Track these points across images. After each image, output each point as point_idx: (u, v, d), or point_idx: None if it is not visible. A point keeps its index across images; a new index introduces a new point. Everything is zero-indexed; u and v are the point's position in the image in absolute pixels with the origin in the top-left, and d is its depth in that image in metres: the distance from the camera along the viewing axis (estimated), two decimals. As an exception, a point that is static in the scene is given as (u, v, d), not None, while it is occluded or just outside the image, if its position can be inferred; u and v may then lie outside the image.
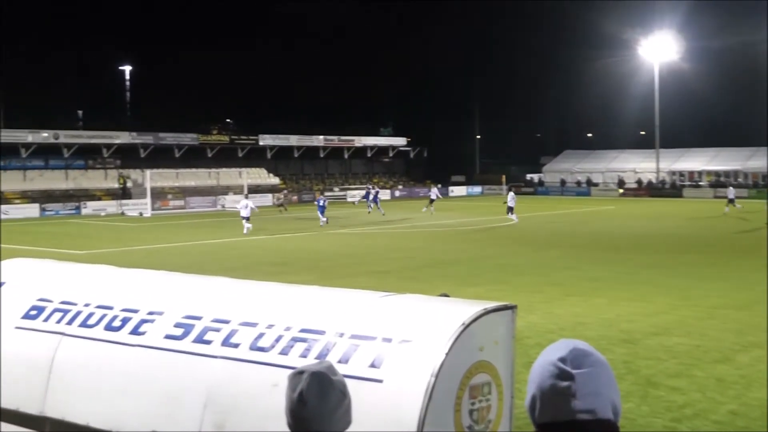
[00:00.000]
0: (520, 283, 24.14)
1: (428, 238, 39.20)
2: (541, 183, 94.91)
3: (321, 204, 50.16)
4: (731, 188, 61.83)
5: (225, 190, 72.84)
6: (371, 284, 22.57)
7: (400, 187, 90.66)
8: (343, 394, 3.07)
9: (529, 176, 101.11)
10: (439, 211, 58.00)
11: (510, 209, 49.16)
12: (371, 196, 59.69)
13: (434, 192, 62.18)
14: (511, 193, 51.31)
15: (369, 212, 57.25)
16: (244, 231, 43.37)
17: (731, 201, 55.82)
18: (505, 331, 6.12)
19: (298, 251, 34.05)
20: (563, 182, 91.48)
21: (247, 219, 44.21)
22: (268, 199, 70.65)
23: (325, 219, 48.91)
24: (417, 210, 59.54)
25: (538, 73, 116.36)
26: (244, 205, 45.34)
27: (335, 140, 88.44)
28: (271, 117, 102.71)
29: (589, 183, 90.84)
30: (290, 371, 3.25)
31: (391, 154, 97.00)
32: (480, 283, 24.06)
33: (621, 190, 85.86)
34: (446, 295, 8.40)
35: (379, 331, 5.88)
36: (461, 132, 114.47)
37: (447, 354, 5.49)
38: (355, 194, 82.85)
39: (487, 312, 5.91)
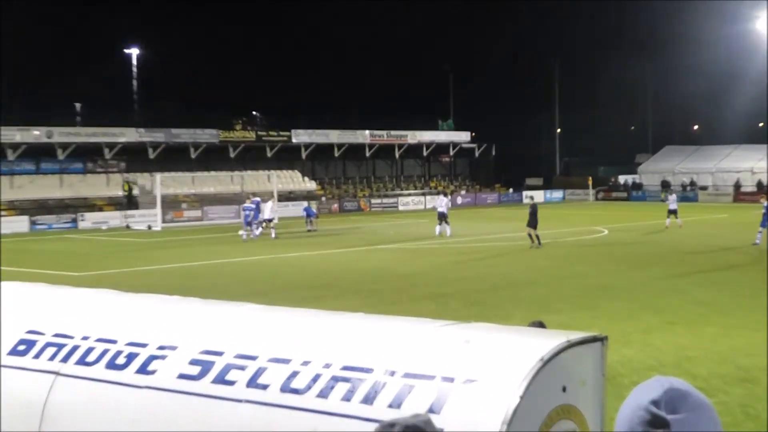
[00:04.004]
0: (612, 309, 23.99)
1: (499, 254, 39.08)
2: (637, 186, 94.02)
3: (247, 212, 51.97)
4: None
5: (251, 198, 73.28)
6: (429, 311, 22.56)
7: (463, 192, 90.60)
8: None
9: (621, 178, 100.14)
10: (512, 222, 57.71)
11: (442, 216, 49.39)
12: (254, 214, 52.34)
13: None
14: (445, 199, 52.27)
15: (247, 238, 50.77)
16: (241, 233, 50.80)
17: None
18: (594, 368, 6.07)
19: (341, 271, 34.13)
20: (666, 184, 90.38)
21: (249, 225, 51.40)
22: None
23: (256, 232, 51.04)
24: (487, 220, 59.30)
25: (631, 55, 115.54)
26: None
27: (384, 136, 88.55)
28: (306, 109, 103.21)
29: (694, 185, 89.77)
30: (377, 424, 3.22)
31: (451, 153, 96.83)
32: (563, 309, 23.94)
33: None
34: (542, 325, 8.26)
35: (439, 368, 5.86)
36: (537, 126, 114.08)
37: (522, 397, 5.44)
38: (407, 201, 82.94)
39: (571, 345, 5.86)
